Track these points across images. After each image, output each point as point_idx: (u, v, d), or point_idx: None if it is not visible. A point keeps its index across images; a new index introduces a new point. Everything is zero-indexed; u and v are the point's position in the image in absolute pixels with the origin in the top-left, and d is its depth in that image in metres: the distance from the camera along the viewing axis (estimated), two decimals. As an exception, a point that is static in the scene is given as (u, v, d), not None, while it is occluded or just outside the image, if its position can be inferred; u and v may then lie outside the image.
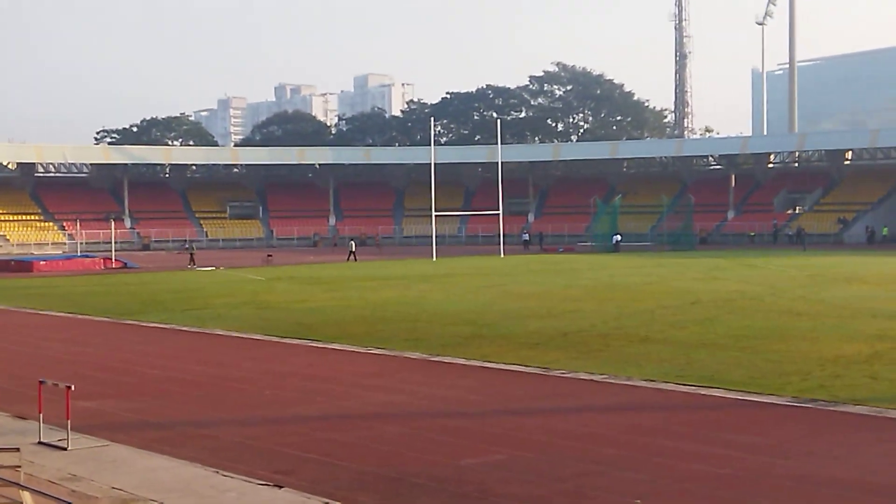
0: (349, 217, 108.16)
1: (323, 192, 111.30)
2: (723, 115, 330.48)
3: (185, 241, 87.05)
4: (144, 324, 32.24)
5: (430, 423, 17.42)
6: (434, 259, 71.77)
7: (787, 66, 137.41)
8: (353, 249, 73.02)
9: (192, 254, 69.62)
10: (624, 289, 43.37)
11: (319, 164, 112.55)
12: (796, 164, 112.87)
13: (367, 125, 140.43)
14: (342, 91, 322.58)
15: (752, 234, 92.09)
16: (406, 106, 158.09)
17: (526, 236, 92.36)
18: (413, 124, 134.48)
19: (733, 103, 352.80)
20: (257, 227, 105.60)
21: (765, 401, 18.57)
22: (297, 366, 23.79)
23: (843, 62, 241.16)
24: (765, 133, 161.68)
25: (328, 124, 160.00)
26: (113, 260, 68.25)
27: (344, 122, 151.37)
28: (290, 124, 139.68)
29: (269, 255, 76.01)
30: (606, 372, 21.79)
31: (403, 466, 14.25)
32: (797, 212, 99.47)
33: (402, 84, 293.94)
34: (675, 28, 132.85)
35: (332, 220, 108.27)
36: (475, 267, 62.44)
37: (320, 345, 26.94)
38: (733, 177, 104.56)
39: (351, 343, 26.71)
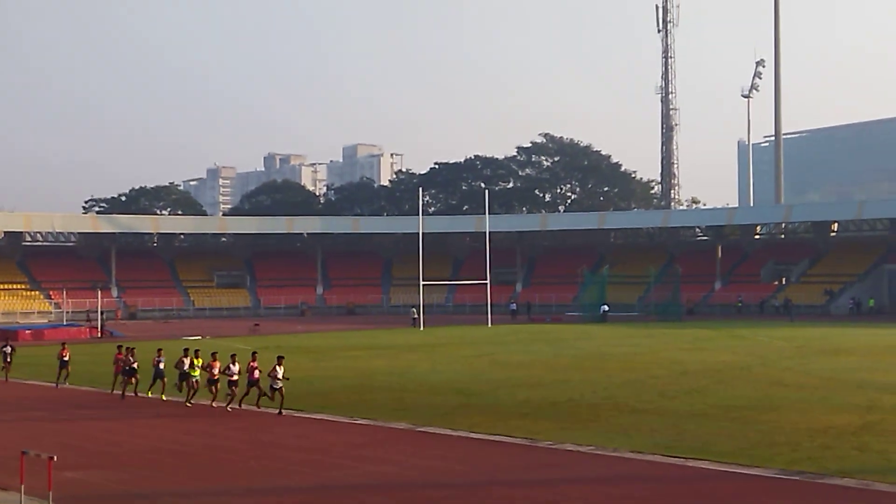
0: (337, 286, 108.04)
1: (311, 261, 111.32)
2: (709, 186, 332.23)
3: (173, 309, 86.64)
4: (128, 393, 31.97)
5: (416, 494, 17.27)
6: (422, 328, 71.65)
7: (773, 137, 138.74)
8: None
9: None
10: (613, 359, 43.31)
11: (308, 234, 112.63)
12: (783, 235, 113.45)
13: (355, 195, 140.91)
14: (331, 161, 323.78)
15: (739, 304, 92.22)
16: (395, 176, 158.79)
17: (514, 306, 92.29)
18: (401, 194, 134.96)
19: (720, 175, 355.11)
20: (244, 297, 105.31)
21: (754, 472, 18.49)
22: (284, 436, 23.60)
23: (829, 134, 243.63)
24: (751, 204, 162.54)
25: (317, 194, 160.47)
26: (99, 329, 67.88)
27: (333, 191, 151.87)
28: (278, 194, 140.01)
29: (255, 325, 75.74)
30: (595, 443, 21.68)
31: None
32: (784, 283, 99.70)
33: (391, 154, 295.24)
34: (662, 100, 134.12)
35: (320, 290, 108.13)
36: (463, 336, 62.31)
37: (307, 415, 26.78)
38: (720, 247, 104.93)
39: (338, 413, 26.57)
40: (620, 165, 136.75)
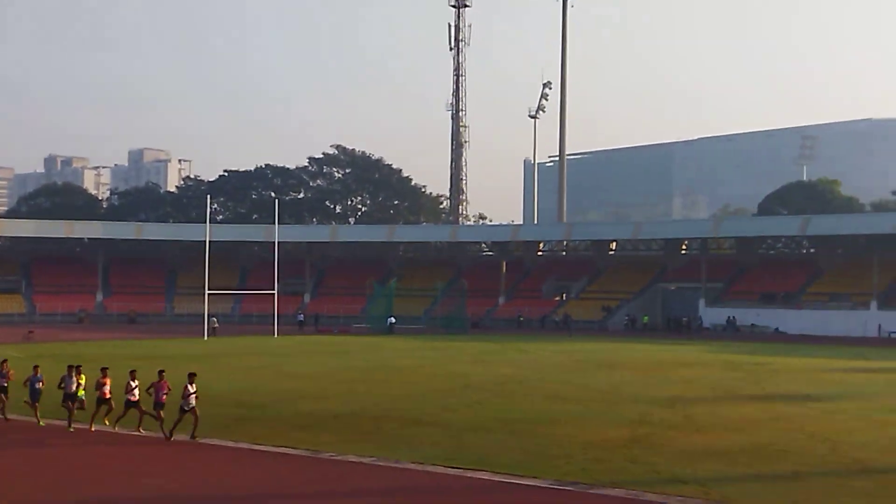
0: (119, 293, 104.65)
1: (91, 267, 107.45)
2: (496, 203, 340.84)
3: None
4: None
5: (195, 508, 16.91)
6: (206, 338, 70.28)
7: (557, 158, 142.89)
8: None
9: None
10: (397, 371, 43.60)
11: (89, 239, 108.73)
12: (564, 253, 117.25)
13: (140, 200, 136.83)
14: (116, 165, 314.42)
15: (521, 318, 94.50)
16: (182, 182, 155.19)
17: (301, 317, 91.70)
18: (189, 201, 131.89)
19: (507, 192, 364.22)
20: (19, 302, 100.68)
21: (531, 483, 18.98)
22: (59, 447, 22.71)
23: (610, 156, 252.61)
24: (535, 222, 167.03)
25: (100, 198, 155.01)
26: None
27: (116, 196, 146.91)
28: (59, 197, 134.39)
29: (30, 332, 72.48)
30: (378, 455, 21.79)
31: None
32: (564, 299, 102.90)
33: (179, 160, 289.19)
34: (452, 117, 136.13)
35: (100, 297, 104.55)
36: (248, 347, 61.46)
37: (81, 425, 25.85)
38: (505, 263, 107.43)
39: (114, 425, 25.70)
40: (411, 179, 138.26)
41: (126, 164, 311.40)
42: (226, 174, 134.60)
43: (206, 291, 74.83)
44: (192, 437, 23.72)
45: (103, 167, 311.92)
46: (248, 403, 30.51)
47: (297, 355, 53.77)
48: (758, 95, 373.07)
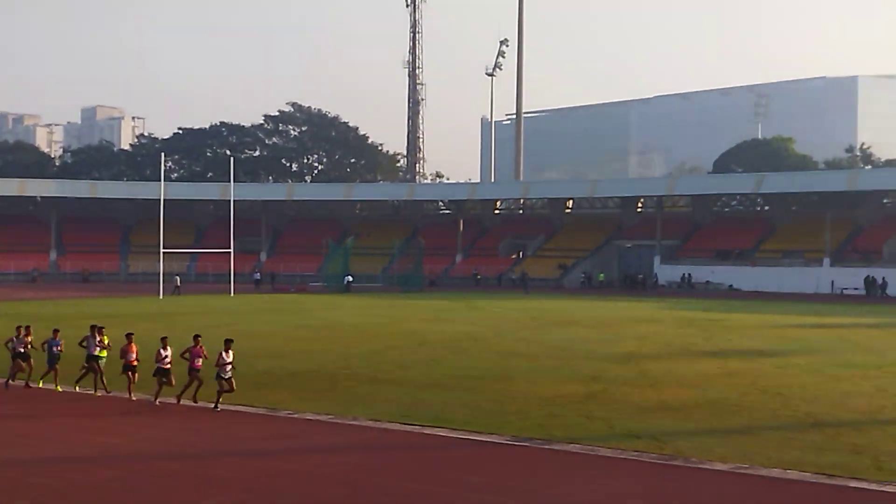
0: (72, 252, 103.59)
1: (44, 226, 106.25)
2: (454, 161, 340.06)
3: None
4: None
5: (148, 466, 16.85)
6: (161, 297, 69.85)
7: (515, 116, 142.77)
8: None
9: None
10: (353, 329, 43.63)
11: (41, 198, 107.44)
12: (521, 211, 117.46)
13: (94, 158, 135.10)
14: (69, 122, 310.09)
15: (478, 276, 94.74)
16: (136, 140, 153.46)
17: (258, 275, 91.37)
18: (143, 159, 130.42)
19: (464, 150, 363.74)
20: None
21: (486, 440, 19.09)
22: (9, 410, 22.51)
23: (567, 115, 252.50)
24: (493, 180, 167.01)
25: (52, 156, 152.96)
26: None
27: (69, 154, 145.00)
28: (10, 155, 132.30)
29: (-18, 291, 71.70)
30: (334, 412, 21.82)
31: (119, 512, 13.71)
32: (521, 257, 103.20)
33: (133, 118, 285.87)
34: (409, 75, 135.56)
35: (54, 256, 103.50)
36: (204, 306, 61.19)
37: (32, 385, 25.67)
38: (462, 221, 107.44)
39: (64, 384, 25.50)
40: (368, 138, 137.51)
41: (79, 122, 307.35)
42: (180, 132, 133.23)
43: (161, 250, 74.26)
44: (216, 406, 22.23)
45: (56, 125, 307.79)
46: (204, 362, 30.33)
47: (253, 314, 53.61)
48: (713, 54, 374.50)
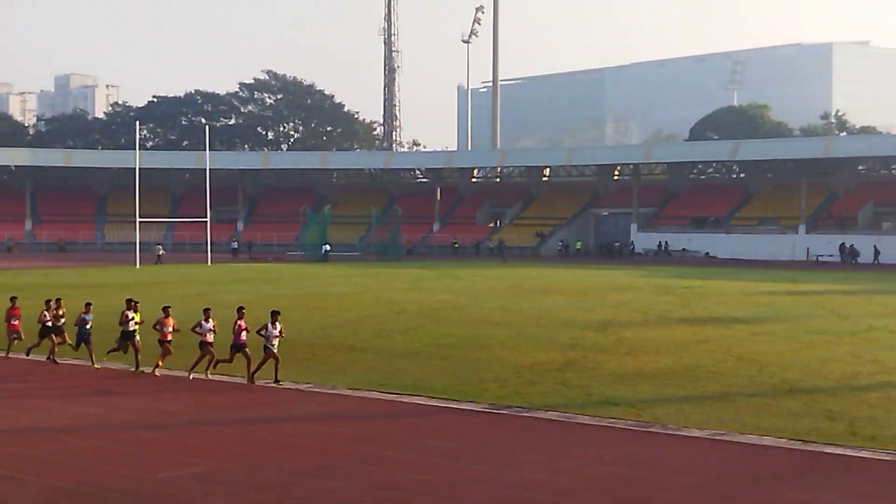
0: (47, 222, 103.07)
1: (19, 195, 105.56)
2: (431, 129, 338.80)
3: None
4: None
5: (125, 435, 16.84)
6: (138, 266, 69.57)
7: (491, 83, 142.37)
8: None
9: None
10: (331, 298, 43.61)
11: (16, 167, 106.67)
12: (498, 179, 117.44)
13: (68, 127, 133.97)
14: (42, 91, 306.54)
15: (455, 245, 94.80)
16: (110, 108, 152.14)
17: (235, 244, 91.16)
18: (118, 127, 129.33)
19: (441, 118, 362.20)
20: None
21: (464, 407, 19.17)
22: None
23: (544, 82, 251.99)
24: (469, 148, 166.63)
25: (26, 125, 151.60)
26: None
27: (43, 122, 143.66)
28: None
29: (-44, 262, 71.23)
30: (313, 381, 21.85)
31: (98, 481, 13.70)
32: (498, 225, 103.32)
33: (107, 86, 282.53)
34: (385, 42, 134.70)
35: (29, 225, 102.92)
36: (181, 275, 60.96)
37: (3, 354, 25.60)
38: (439, 190, 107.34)
39: (39, 353, 25.41)
40: (344, 106, 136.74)
41: (52, 90, 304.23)
42: (155, 100, 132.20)
43: (137, 219, 73.88)
44: (276, 380, 21.68)
45: (29, 93, 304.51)
46: (182, 332, 30.27)
47: (229, 283, 53.46)
48: (689, 20, 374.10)
